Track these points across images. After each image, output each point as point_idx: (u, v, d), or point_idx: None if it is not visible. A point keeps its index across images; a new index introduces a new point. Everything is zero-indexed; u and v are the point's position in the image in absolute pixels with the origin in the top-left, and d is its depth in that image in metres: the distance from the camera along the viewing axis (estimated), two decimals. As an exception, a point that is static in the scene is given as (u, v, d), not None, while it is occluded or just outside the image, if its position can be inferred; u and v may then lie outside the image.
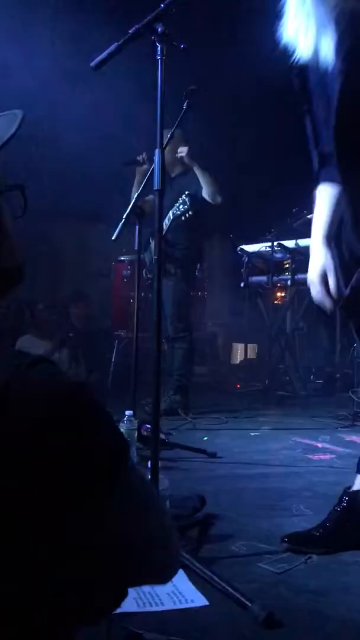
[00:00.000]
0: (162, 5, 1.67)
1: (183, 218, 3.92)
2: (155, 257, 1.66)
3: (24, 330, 5.19)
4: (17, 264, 0.83)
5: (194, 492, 2.13)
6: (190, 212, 3.88)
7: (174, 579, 1.52)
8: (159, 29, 1.67)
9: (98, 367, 5.03)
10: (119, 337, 5.19)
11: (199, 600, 1.45)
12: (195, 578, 1.53)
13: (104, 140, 5.41)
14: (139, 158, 4.06)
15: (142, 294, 4.84)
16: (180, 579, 1.54)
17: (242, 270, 5.41)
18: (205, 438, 3.39)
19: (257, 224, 5.59)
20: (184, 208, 3.87)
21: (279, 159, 6.18)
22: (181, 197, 3.90)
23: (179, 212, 3.90)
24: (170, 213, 3.97)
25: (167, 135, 3.53)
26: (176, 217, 3.94)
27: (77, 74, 4.65)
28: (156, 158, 1.67)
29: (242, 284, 5.45)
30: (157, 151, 1.67)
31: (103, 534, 0.69)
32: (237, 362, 6.45)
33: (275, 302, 6.05)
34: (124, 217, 2.84)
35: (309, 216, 4.92)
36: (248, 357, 6.22)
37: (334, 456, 3.03)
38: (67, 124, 5.36)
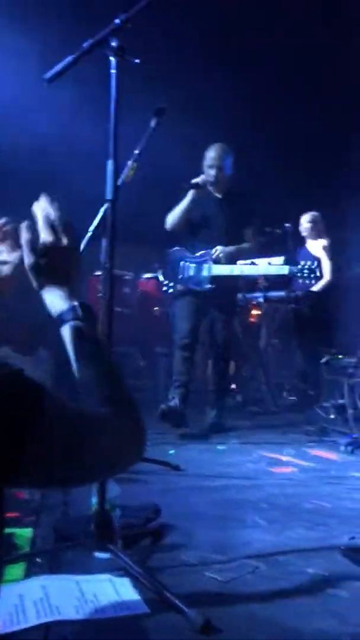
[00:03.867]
0: (116, 21, 1.71)
1: None
2: (108, 265, 1.68)
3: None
4: None
5: (149, 502, 2.13)
6: None
7: (117, 587, 1.52)
8: (113, 44, 1.71)
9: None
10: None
11: (140, 608, 1.45)
12: (140, 586, 1.53)
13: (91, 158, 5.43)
14: (200, 181, 4.08)
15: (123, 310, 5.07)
16: (124, 587, 1.54)
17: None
18: (171, 452, 3.39)
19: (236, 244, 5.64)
20: None
21: (256, 182, 6.28)
22: None
23: None
24: None
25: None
26: None
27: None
28: (108, 169, 1.69)
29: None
30: (109, 162, 1.70)
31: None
32: (212, 378, 6.45)
33: (250, 319, 6.10)
34: (90, 230, 2.84)
35: (277, 231, 5.03)
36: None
37: (296, 470, 3.04)
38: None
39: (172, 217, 4.21)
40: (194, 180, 4.08)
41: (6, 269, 1.18)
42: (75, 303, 1.04)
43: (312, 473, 2.97)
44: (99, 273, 5.60)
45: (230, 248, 4.12)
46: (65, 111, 4.98)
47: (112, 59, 1.70)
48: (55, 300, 1.05)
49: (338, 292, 5.99)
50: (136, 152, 3.48)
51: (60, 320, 1.04)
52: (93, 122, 4.93)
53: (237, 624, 1.38)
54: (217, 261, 4.08)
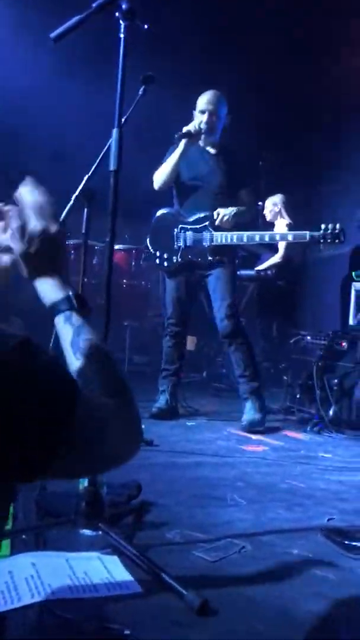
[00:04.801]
0: (128, -18, 1.63)
1: None
2: (108, 239, 1.63)
3: None
4: None
5: (130, 479, 2.12)
6: None
7: (107, 565, 1.51)
8: (123, 6, 1.63)
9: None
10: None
11: (132, 587, 1.44)
12: (129, 565, 1.52)
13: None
14: (192, 129, 3.53)
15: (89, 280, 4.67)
16: (114, 565, 1.53)
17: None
18: (142, 427, 3.37)
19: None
20: None
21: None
22: None
23: None
24: None
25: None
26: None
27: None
28: (114, 137, 1.63)
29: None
30: (114, 130, 1.63)
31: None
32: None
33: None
34: (72, 198, 2.76)
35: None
36: (187, 348, 6.25)
37: (267, 448, 3.09)
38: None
39: (162, 173, 3.65)
40: (185, 128, 3.52)
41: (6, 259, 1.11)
42: (70, 293, 1.01)
43: (283, 452, 3.02)
44: (67, 242, 5.50)
45: (232, 210, 3.56)
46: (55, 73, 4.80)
47: (122, 22, 1.62)
48: (48, 289, 1.01)
49: (306, 272, 6.07)
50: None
51: (54, 309, 1.01)
52: (84, 86, 4.80)
53: (230, 606, 1.39)
54: (218, 227, 3.55)
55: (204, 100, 3.62)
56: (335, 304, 5.95)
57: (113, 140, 1.63)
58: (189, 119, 3.68)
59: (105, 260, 1.67)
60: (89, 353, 0.97)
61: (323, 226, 3.37)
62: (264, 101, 5.85)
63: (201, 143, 3.68)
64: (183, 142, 3.55)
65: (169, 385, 3.82)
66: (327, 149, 6.15)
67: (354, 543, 1.75)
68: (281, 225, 5.45)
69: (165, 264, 3.73)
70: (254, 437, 3.35)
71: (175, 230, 3.68)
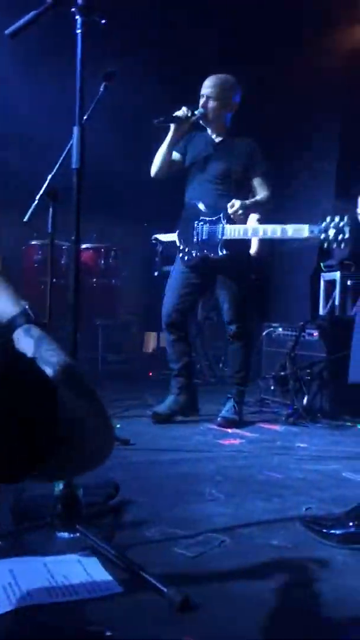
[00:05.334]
0: (83, -24, 1.61)
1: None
2: (73, 237, 1.61)
3: None
4: None
5: (108, 479, 2.10)
6: None
7: (87, 567, 1.50)
8: (79, 0, 1.61)
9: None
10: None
11: (113, 588, 1.43)
12: (109, 565, 1.51)
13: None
14: (181, 114, 3.40)
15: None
16: (94, 566, 1.51)
17: (156, 259, 5.41)
18: (118, 425, 3.36)
19: (172, 213, 5.59)
20: None
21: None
22: None
23: None
24: None
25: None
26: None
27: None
28: (75, 135, 1.61)
29: (155, 273, 5.45)
30: (75, 128, 1.61)
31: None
32: (150, 350, 6.45)
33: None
34: (36, 198, 2.73)
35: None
36: (161, 345, 6.23)
37: (243, 441, 3.10)
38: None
39: (154, 161, 3.55)
40: (176, 113, 3.40)
41: None
42: (26, 306, 1.00)
43: (259, 444, 3.04)
44: (34, 242, 5.44)
45: (245, 202, 3.41)
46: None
47: (78, 17, 1.60)
48: (2, 306, 1.00)
49: (276, 265, 6.11)
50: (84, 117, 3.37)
51: (12, 325, 0.99)
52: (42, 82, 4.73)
53: (213, 600, 1.39)
54: (231, 220, 3.39)
55: (203, 85, 3.49)
56: (306, 295, 6.00)
57: (74, 138, 1.61)
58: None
59: (72, 259, 1.64)
60: (53, 362, 0.96)
61: (328, 218, 2.96)
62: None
63: (209, 131, 3.57)
64: (172, 128, 3.43)
65: (176, 386, 3.63)
66: (297, 150, 6.18)
67: (332, 531, 1.77)
68: (252, 220, 5.46)
69: (186, 258, 3.57)
70: (230, 430, 3.37)
71: (196, 222, 3.53)
